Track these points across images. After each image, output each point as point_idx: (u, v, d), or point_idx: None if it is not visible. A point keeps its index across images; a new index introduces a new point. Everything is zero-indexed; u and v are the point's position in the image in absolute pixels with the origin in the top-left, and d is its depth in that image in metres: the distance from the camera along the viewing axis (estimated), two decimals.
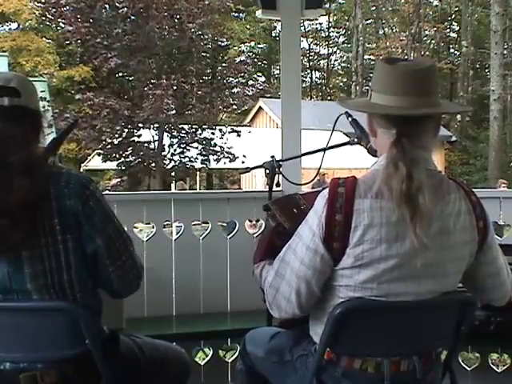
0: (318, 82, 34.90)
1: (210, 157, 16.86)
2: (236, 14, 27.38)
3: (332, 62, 34.84)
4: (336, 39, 34.91)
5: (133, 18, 15.98)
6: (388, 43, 30.08)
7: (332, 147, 2.27)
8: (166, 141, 16.61)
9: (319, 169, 2.28)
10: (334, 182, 1.49)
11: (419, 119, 1.50)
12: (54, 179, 1.53)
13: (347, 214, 1.43)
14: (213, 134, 16.61)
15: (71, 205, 1.51)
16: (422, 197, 1.41)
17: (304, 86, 31.41)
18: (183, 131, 16.64)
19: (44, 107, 14.29)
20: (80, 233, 1.53)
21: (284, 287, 1.54)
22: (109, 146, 16.09)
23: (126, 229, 2.96)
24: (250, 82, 18.62)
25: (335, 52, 34.89)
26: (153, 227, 3.13)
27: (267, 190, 2.31)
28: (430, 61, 1.55)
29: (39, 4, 18.26)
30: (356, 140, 2.16)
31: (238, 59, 20.69)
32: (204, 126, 16.55)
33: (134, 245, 1.68)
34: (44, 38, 22.15)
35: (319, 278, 1.50)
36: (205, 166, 17.23)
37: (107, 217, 1.60)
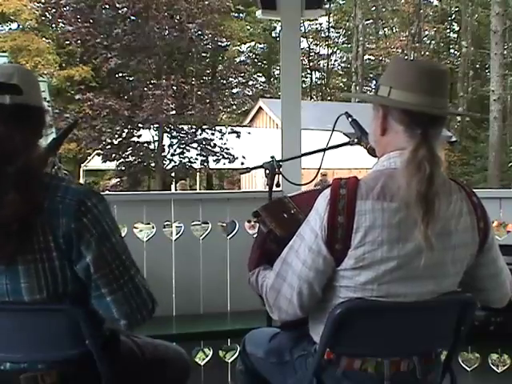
0: (318, 82, 34.90)
1: (210, 157, 16.85)
2: (236, 14, 27.33)
3: (332, 62, 34.86)
4: (336, 39, 34.93)
5: (133, 18, 16.01)
6: (388, 43, 30.05)
7: (332, 147, 2.27)
8: (166, 141, 16.61)
9: (319, 169, 2.28)
10: (335, 183, 1.48)
11: (443, 120, 1.52)
12: (51, 193, 1.46)
13: (349, 215, 1.43)
14: (212, 134, 16.61)
15: (63, 223, 1.44)
16: (438, 200, 1.41)
17: (304, 86, 31.40)
18: (183, 131, 16.64)
19: None
20: (72, 251, 1.46)
21: (286, 288, 1.53)
22: (109, 147, 16.09)
23: (125, 230, 3.01)
24: (250, 83, 18.65)
25: (335, 52, 34.90)
26: (153, 227, 3.13)
27: (267, 190, 2.31)
28: (443, 65, 1.55)
29: (39, 4, 18.28)
30: (356, 140, 2.16)
31: (237, 59, 20.73)
32: (204, 127, 16.55)
33: (141, 272, 1.56)
34: (44, 38, 22.12)
35: (321, 279, 1.50)
36: (204, 166, 17.22)
37: (104, 235, 1.49)
